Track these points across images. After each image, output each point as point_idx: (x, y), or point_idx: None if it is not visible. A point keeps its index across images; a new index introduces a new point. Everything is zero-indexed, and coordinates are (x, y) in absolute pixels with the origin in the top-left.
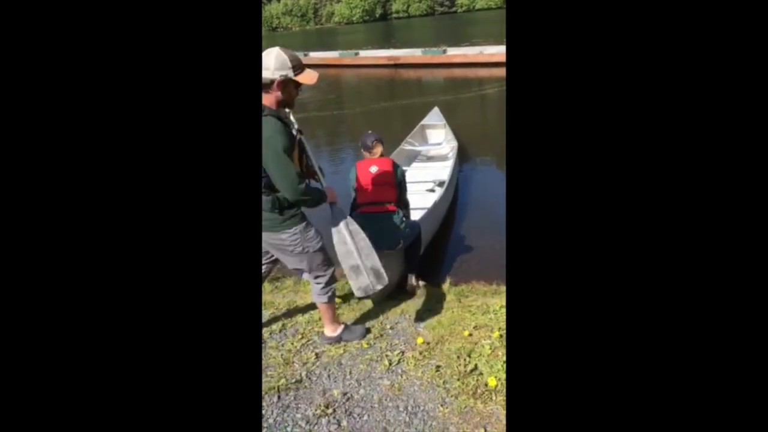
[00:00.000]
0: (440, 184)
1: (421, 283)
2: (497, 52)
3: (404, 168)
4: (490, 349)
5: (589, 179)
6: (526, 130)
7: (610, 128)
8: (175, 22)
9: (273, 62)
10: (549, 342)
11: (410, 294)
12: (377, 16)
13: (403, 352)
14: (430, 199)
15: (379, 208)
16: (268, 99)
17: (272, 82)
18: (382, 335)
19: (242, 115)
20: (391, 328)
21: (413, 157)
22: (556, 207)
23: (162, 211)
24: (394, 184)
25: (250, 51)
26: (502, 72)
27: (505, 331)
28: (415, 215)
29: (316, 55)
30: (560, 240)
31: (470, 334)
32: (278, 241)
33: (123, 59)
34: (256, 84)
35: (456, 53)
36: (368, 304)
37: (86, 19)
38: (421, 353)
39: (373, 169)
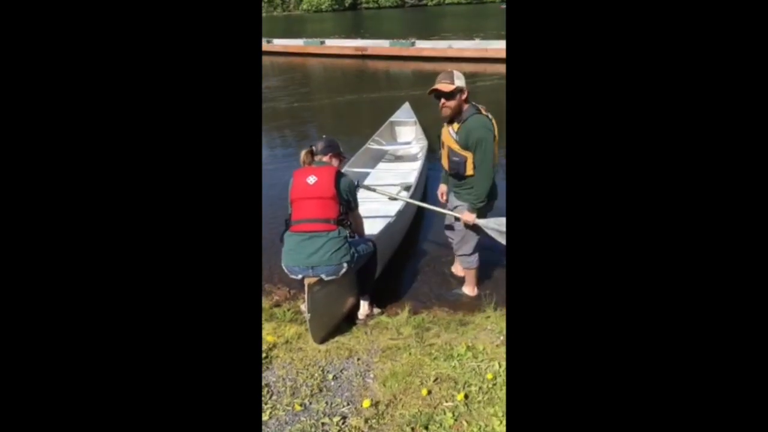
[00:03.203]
0: (407, 188)
1: (376, 310)
2: (466, 47)
3: (368, 170)
4: (453, 417)
5: (596, 186)
6: (527, 132)
7: (616, 131)
8: (175, 22)
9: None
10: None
11: (363, 321)
12: (347, 5)
13: (344, 419)
14: (393, 208)
15: (315, 227)
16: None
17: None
18: (320, 390)
19: (243, 112)
20: (335, 377)
21: (380, 156)
22: (561, 215)
23: (162, 213)
24: (335, 198)
25: (250, 47)
26: (470, 67)
27: (470, 389)
28: (376, 226)
29: (280, 43)
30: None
31: (429, 392)
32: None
33: (123, 59)
34: (256, 83)
35: (425, 47)
36: (310, 342)
37: (89, 22)
38: (366, 421)
39: (311, 180)
